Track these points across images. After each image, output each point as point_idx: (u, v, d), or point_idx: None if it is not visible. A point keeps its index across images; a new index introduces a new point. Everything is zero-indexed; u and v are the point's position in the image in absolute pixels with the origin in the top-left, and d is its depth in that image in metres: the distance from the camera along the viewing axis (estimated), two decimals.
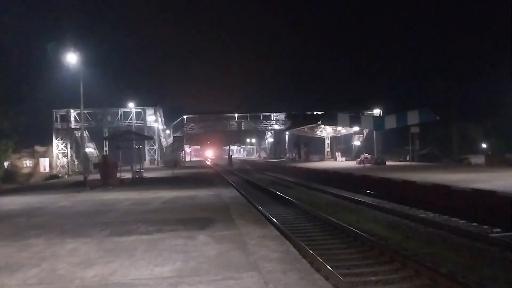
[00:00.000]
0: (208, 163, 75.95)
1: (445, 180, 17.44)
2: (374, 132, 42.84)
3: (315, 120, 46.60)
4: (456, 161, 39.50)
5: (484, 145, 47.43)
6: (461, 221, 13.32)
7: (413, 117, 36.99)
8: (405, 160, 39.77)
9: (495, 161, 32.73)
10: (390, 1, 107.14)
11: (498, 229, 11.89)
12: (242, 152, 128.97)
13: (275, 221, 13.65)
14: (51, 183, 29.52)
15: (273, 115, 64.05)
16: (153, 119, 56.48)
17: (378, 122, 41.15)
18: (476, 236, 11.09)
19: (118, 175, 24.68)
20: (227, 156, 75.77)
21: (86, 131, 52.06)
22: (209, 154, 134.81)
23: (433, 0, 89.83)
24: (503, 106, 45.62)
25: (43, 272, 6.14)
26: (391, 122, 39.17)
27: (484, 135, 47.93)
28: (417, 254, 9.55)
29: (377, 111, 53.42)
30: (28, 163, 51.22)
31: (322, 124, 44.68)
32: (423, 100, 51.38)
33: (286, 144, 68.40)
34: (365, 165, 34.44)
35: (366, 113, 52.87)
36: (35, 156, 52.32)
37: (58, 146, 53.39)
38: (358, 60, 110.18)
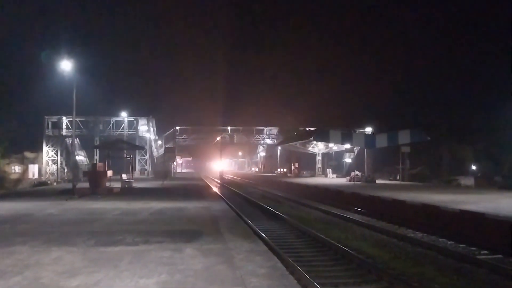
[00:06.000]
0: (199, 175, 75.63)
1: (434, 201, 17.49)
2: (365, 150, 43.03)
3: (307, 136, 46.74)
4: (446, 182, 39.68)
5: (474, 167, 47.73)
6: (449, 242, 13.33)
7: (404, 137, 37.23)
8: (395, 179, 39.90)
9: (485, 183, 32.93)
10: (384, 21, 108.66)
11: (486, 251, 11.92)
12: (233, 165, 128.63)
13: (264, 235, 13.58)
14: (40, 190, 29.23)
15: (265, 129, 64.24)
16: (145, 129, 56.33)
17: (369, 140, 41.35)
18: (464, 257, 11.11)
19: (108, 184, 24.53)
20: (217, 169, 75.52)
21: (77, 138, 51.75)
22: (201, 166, 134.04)
23: (426, 21, 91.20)
24: (493, 129, 46.08)
25: (26, 280, 6.04)
26: (382, 141, 39.38)
27: (474, 157, 48.27)
28: (405, 274, 9.54)
29: (368, 130, 53.76)
30: (17, 169, 50.57)
31: (314, 140, 44.80)
32: (415, 120, 51.86)
33: (278, 159, 68.46)
34: (356, 182, 34.50)
35: (358, 131, 53.20)
36: (24, 162, 51.75)
37: (48, 153, 52.98)
38: (351, 78, 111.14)
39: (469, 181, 37.19)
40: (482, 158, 46.81)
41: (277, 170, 64.61)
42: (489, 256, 11.43)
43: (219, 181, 54.37)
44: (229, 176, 68.85)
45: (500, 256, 11.39)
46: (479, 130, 49.49)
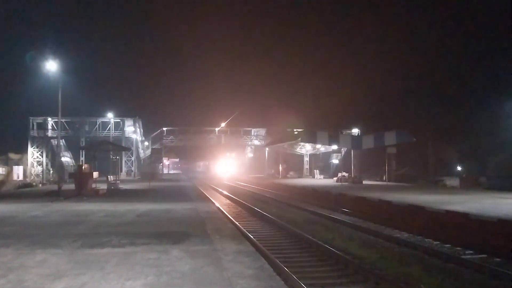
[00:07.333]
0: (187, 176, 75.36)
1: (420, 201, 17.66)
2: (352, 151, 43.29)
3: (295, 137, 46.91)
4: (431, 182, 40.07)
5: (459, 168, 48.28)
6: (435, 242, 13.46)
7: (390, 138, 37.49)
8: (381, 180, 40.21)
9: (470, 183, 33.29)
10: (374, 23, 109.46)
11: (471, 251, 12.06)
12: (221, 166, 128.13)
13: (251, 236, 13.57)
14: (24, 191, 28.84)
15: (253, 131, 64.27)
16: (132, 130, 55.92)
17: (356, 141, 41.61)
18: (449, 257, 11.22)
19: (94, 185, 24.33)
20: (205, 170, 75.40)
21: (63, 140, 51.23)
22: (189, 167, 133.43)
23: (412, 25, 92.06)
24: (478, 130, 46.69)
25: (9, 284, 5.95)
26: (368, 142, 39.63)
27: (459, 158, 48.82)
28: (391, 274, 9.60)
29: (355, 131, 54.13)
30: (1, 170, 49.90)
31: (301, 141, 45.00)
32: (401, 121, 52.25)
33: (266, 160, 68.56)
34: (343, 183, 34.71)
35: (344, 132, 53.52)
36: (8, 163, 51.05)
37: (33, 154, 52.34)
38: (339, 80, 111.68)
39: (454, 181, 37.55)
40: (467, 159, 47.38)
41: (264, 171, 64.70)
42: (474, 256, 11.57)
43: (206, 182, 54.26)
44: (216, 177, 68.79)
45: (484, 255, 11.54)
46: (464, 131, 50.10)
